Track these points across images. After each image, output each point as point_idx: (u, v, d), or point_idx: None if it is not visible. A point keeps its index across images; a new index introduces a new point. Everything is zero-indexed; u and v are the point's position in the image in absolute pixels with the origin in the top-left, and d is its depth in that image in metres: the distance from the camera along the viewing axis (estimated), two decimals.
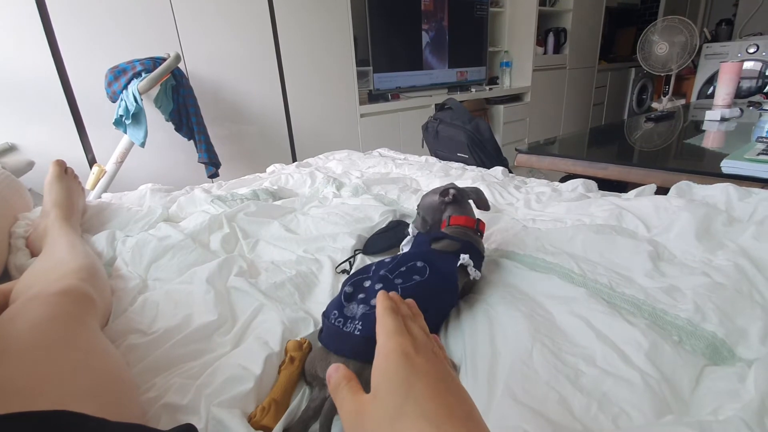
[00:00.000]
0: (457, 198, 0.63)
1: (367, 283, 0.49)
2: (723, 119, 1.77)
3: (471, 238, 0.58)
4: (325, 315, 0.47)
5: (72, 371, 0.33)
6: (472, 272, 0.54)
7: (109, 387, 0.36)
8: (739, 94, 2.42)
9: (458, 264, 0.53)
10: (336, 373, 0.28)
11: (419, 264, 0.51)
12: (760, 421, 0.32)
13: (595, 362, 0.44)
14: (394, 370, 0.24)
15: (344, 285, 0.49)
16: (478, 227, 0.60)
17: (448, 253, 0.54)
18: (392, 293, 0.34)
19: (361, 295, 0.48)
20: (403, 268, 0.50)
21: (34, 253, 0.70)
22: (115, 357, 0.41)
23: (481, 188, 1.02)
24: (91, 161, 1.66)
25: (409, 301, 0.34)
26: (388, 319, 0.28)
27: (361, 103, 2.53)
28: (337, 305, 0.47)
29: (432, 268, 0.51)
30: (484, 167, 1.28)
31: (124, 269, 0.67)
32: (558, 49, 3.60)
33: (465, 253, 0.54)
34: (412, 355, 0.25)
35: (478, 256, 0.56)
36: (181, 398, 0.41)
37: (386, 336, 0.26)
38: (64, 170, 0.83)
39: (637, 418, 0.37)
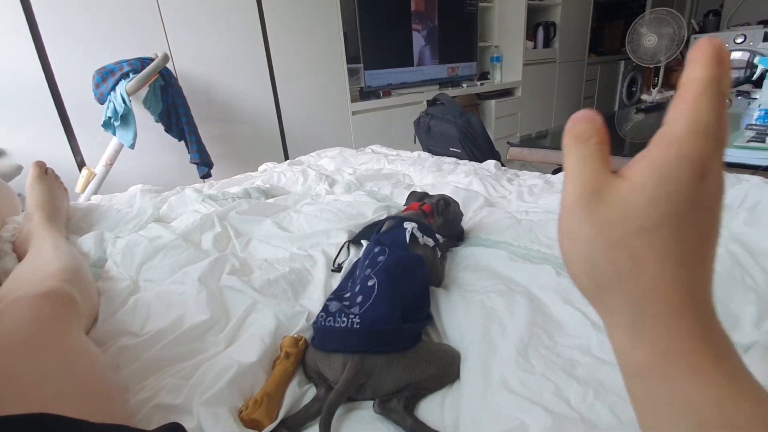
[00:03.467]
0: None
1: (348, 284, 0.53)
2: None
3: (415, 216, 0.65)
4: (314, 323, 0.49)
5: (54, 373, 0.33)
6: (419, 236, 0.60)
7: (93, 389, 0.35)
8: None
9: (407, 234, 0.59)
10: (590, 121, 0.21)
11: (377, 249, 0.55)
12: None
13: (590, 351, 0.44)
14: (681, 179, 0.18)
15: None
16: (422, 207, 0.69)
17: (392, 229, 0.62)
18: (715, 41, 0.21)
19: (346, 294, 0.50)
20: (366, 261, 0.54)
21: (20, 257, 0.69)
22: (99, 358, 0.41)
23: (474, 182, 1.03)
24: (80, 164, 1.64)
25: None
26: (708, 106, 0.18)
27: (353, 100, 2.52)
28: (322, 309, 0.49)
29: (388, 246, 0.56)
30: (476, 161, 1.28)
31: (114, 270, 0.66)
32: (548, 43, 3.61)
33: (406, 222, 0.61)
34: (707, 174, 0.18)
35: (424, 226, 0.63)
36: (174, 398, 0.41)
37: (691, 131, 0.18)
38: (44, 171, 0.81)
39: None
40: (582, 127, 0.22)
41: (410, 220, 0.63)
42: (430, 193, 0.77)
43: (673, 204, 0.18)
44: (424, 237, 0.61)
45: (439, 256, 0.63)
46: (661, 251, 0.18)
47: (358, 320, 0.44)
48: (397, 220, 0.63)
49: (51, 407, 0.27)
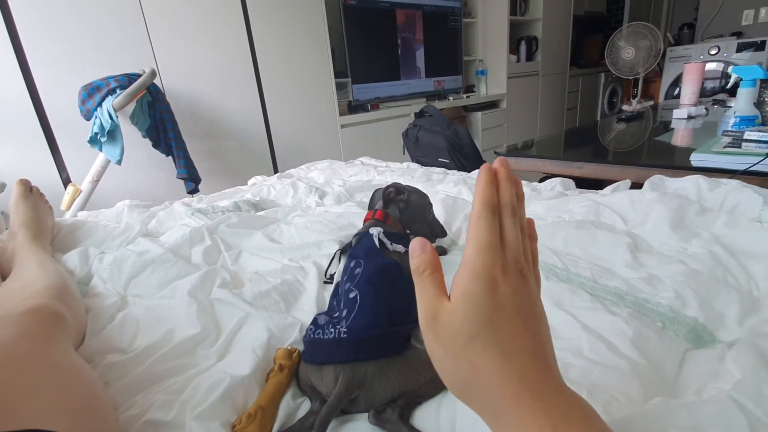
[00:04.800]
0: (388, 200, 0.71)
1: (334, 303, 0.53)
2: (690, 117, 1.85)
3: (375, 224, 0.65)
4: (304, 337, 0.49)
5: (42, 389, 0.32)
6: (387, 243, 0.60)
7: (82, 404, 0.34)
8: (704, 94, 2.53)
9: (376, 240, 0.59)
10: (422, 253, 0.26)
11: (352, 263, 0.56)
12: (755, 398, 0.33)
13: (582, 353, 0.45)
14: (478, 295, 0.23)
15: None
16: (374, 216, 0.68)
17: (362, 239, 0.61)
18: (499, 160, 0.26)
19: (335, 314, 0.50)
20: (345, 277, 0.54)
21: (4, 276, 0.67)
22: (89, 374, 0.40)
23: (463, 191, 1.04)
24: (66, 181, 1.62)
25: (515, 178, 0.27)
26: (484, 228, 0.24)
27: (341, 113, 2.54)
28: (311, 323, 0.49)
29: (362, 258, 0.56)
30: (464, 171, 1.30)
31: (101, 287, 0.65)
32: (530, 56, 3.71)
33: (372, 228, 0.61)
34: (498, 282, 0.23)
35: (392, 235, 0.62)
36: (165, 414, 0.40)
37: (477, 251, 0.23)
38: (29, 189, 0.80)
39: (625, 403, 0.38)
40: (416, 262, 0.26)
41: (363, 231, 0.63)
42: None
43: (479, 314, 0.23)
44: (393, 244, 0.60)
45: None
46: (487, 353, 0.22)
47: (345, 330, 0.44)
48: (361, 234, 0.63)
49: (41, 423, 0.26)
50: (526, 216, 0.28)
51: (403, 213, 0.69)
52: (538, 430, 0.20)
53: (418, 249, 0.26)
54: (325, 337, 0.45)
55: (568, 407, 0.21)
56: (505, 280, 0.23)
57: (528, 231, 0.28)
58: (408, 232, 0.70)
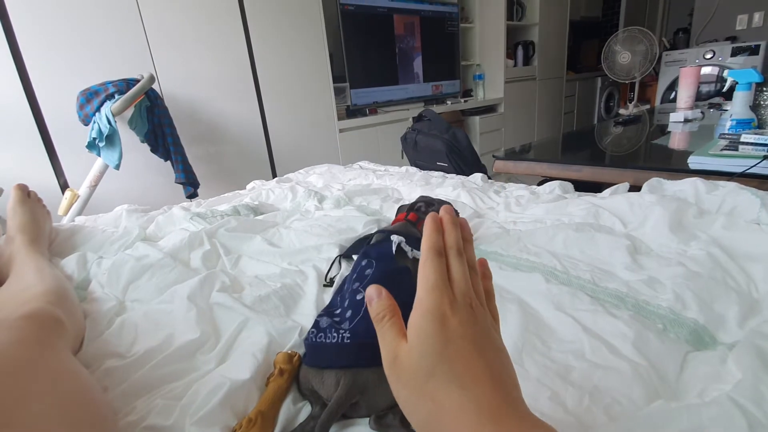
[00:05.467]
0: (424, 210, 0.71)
1: (338, 300, 0.53)
2: (686, 120, 1.86)
3: (403, 227, 0.65)
4: (305, 340, 0.48)
5: (40, 395, 0.32)
6: (408, 250, 0.59)
7: (81, 410, 0.34)
8: (700, 98, 2.55)
9: (394, 246, 0.58)
10: (379, 299, 0.27)
11: (364, 262, 0.55)
12: (755, 399, 0.33)
13: (584, 356, 0.45)
14: (429, 331, 0.24)
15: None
16: (408, 217, 0.68)
17: (379, 243, 0.61)
18: (444, 208, 0.29)
19: (336, 311, 0.50)
20: (354, 275, 0.54)
21: (1, 281, 0.67)
22: (88, 380, 0.39)
23: (462, 194, 1.04)
24: (63, 186, 1.61)
25: (462, 221, 0.30)
26: (430, 269, 0.26)
27: (340, 118, 2.55)
28: (313, 326, 0.48)
29: (375, 260, 0.55)
30: (463, 174, 1.30)
31: (99, 292, 0.64)
32: (527, 61, 3.73)
33: (394, 235, 0.60)
34: (448, 317, 0.24)
35: (413, 239, 0.62)
36: (165, 420, 0.40)
37: (425, 291, 0.25)
38: (26, 194, 0.80)
39: (627, 406, 0.38)
40: (375, 309, 0.27)
41: (398, 232, 0.63)
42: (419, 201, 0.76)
43: (432, 349, 0.24)
44: (414, 251, 0.60)
45: None
46: (444, 387, 0.23)
47: (348, 335, 0.44)
48: (386, 234, 0.63)
49: (40, 430, 0.26)
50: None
51: None
52: None
53: (375, 296, 0.28)
54: (328, 341, 0.44)
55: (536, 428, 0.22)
56: (454, 314, 0.25)
57: (480, 269, 0.30)
58: None
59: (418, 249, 0.60)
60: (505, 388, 0.24)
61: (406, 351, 0.25)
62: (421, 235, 0.63)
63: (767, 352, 0.39)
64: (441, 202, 0.74)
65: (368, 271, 0.53)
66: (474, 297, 0.26)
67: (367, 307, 0.46)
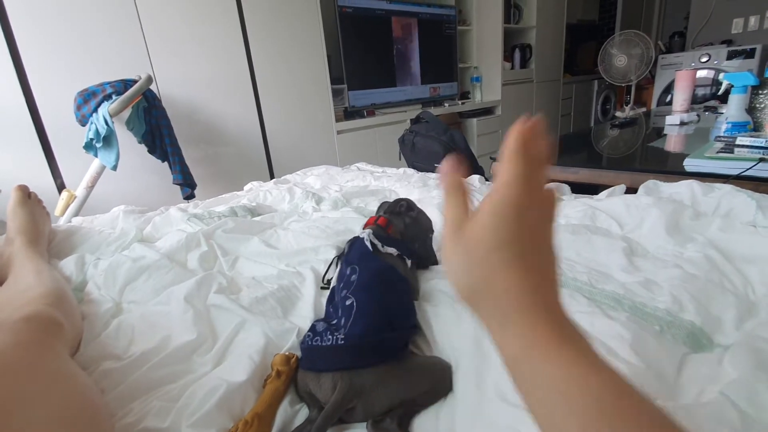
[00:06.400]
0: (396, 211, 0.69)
1: (331, 311, 0.52)
2: (682, 123, 1.87)
3: (374, 230, 0.63)
4: (301, 343, 0.48)
5: (39, 398, 0.32)
6: (378, 244, 0.58)
7: (80, 413, 0.34)
8: (695, 101, 2.57)
9: (368, 243, 0.57)
10: (454, 173, 0.29)
11: (348, 270, 0.55)
12: (748, 397, 0.33)
13: None
14: (506, 216, 0.25)
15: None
16: (377, 222, 0.65)
17: (353, 243, 0.60)
18: (528, 122, 0.28)
19: (333, 321, 0.49)
20: (342, 284, 0.53)
21: (0, 282, 0.67)
22: (86, 382, 0.39)
23: None
24: (60, 186, 1.61)
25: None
26: (518, 163, 0.26)
27: (337, 120, 2.55)
28: (309, 329, 0.48)
29: (357, 263, 0.55)
30: None
31: (96, 293, 0.64)
32: (524, 64, 3.74)
33: (362, 232, 0.60)
34: (524, 209, 0.25)
35: (383, 238, 0.61)
36: (161, 422, 0.39)
37: (508, 183, 0.26)
38: (27, 195, 0.80)
39: None
40: (451, 180, 0.29)
41: (358, 236, 0.62)
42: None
43: (505, 231, 0.25)
44: (384, 246, 0.59)
45: (409, 266, 0.61)
46: (507, 265, 0.25)
47: (343, 337, 0.44)
48: (355, 237, 0.62)
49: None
50: None
51: (408, 228, 0.67)
52: (545, 341, 0.23)
53: (451, 169, 0.29)
54: (323, 344, 0.44)
55: (572, 326, 0.24)
56: (534, 208, 0.26)
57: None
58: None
59: (388, 245, 0.59)
60: (557, 282, 0.26)
61: (477, 222, 0.26)
62: (394, 236, 0.62)
63: (761, 352, 0.39)
64: (422, 211, 0.71)
65: (353, 277, 0.52)
66: (549, 192, 0.28)
67: (357, 311, 0.46)
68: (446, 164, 0.29)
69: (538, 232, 0.26)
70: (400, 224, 0.67)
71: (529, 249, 0.25)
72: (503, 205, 0.25)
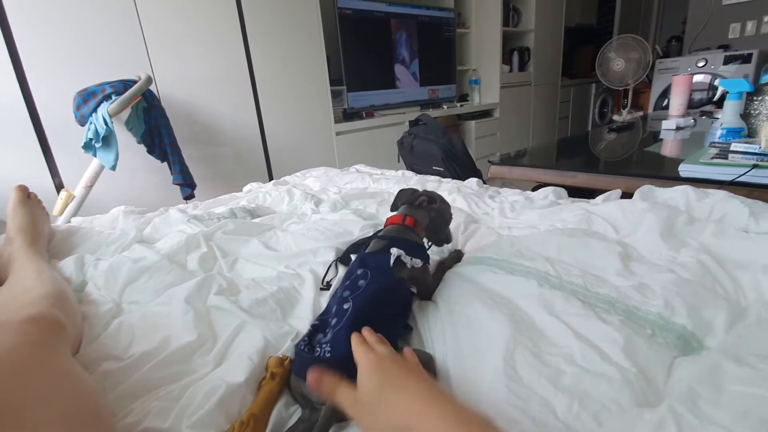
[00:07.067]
0: (423, 205, 0.67)
1: (330, 310, 0.52)
2: (678, 128, 1.89)
3: (401, 233, 0.62)
4: (296, 345, 0.49)
5: (42, 398, 0.32)
6: (408, 260, 0.57)
7: (83, 413, 0.35)
8: (692, 105, 2.59)
9: (392, 258, 0.56)
10: (321, 383, 0.38)
11: (359, 271, 0.54)
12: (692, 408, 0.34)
13: (575, 361, 0.46)
14: (372, 372, 0.38)
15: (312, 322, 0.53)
16: (405, 222, 0.64)
17: (378, 252, 0.58)
18: (364, 330, 0.45)
19: (328, 318, 0.50)
20: (347, 282, 0.53)
21: (0, 282, 0.67)
22: (89, 382, 0.40)
23: (458, 199, 1.05)
24: (59, 186, 1.61)
25: (379, 337, 0.45)
26: (360, 349, 0.41)
27: (336, 121, 2.55)
28: (306, 335, 0.49)
29: (371, 270, 0.54)
30: (459, 179, 1.31)
31: (96, 294, 0.64)
32: (523, 67, 3.76)
33: (393, 247, 0.58)
34: (380, 361, 0.39)
35: (412, 246, 0.60)
36: (162, 422, 0.40)
37: (362, 356, 0.40)
38: (26, 195, 0.80)
39: (617, 412, 0.39)
40: (325, 389, 0.38)
41: (396, 240, 0.60)
42: (420, 190, 0.71)
43: (377, 380, 0.38)
44: (413, 260, 0.58)
45: (429, 267, 0.61)
46: (391, 394, 0.36)
47: (329, 348, 0.45)
48: (385, 244, 0.60)
49: (45, 431, 0.26)
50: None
51: (432, 222, 0.67)
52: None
53: (316, 379, 0.39)
54: (312, 354, 0.45)
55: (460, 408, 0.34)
56: (383, 360, 0.39)
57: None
58: (429, 242, 0.70)
59: (417, 257, 0.60)
60: (431, 384, 0.38)
61: (361, 391, 0.37)
62: (419, 240, 0.63)
63: (720, 367, 0.40)
64: (442, 199, 0.70)
65: (361, 282, 0.52)
66: (388, 353, 0.41)
67: (349, 319, 0.47)
68: (312, 381, 0.39)
69: (397, 367, 0.39)
70: (425, 219, 0.66)
71: (396, 379, 0.37)
72: (368, 371, 0.38)
